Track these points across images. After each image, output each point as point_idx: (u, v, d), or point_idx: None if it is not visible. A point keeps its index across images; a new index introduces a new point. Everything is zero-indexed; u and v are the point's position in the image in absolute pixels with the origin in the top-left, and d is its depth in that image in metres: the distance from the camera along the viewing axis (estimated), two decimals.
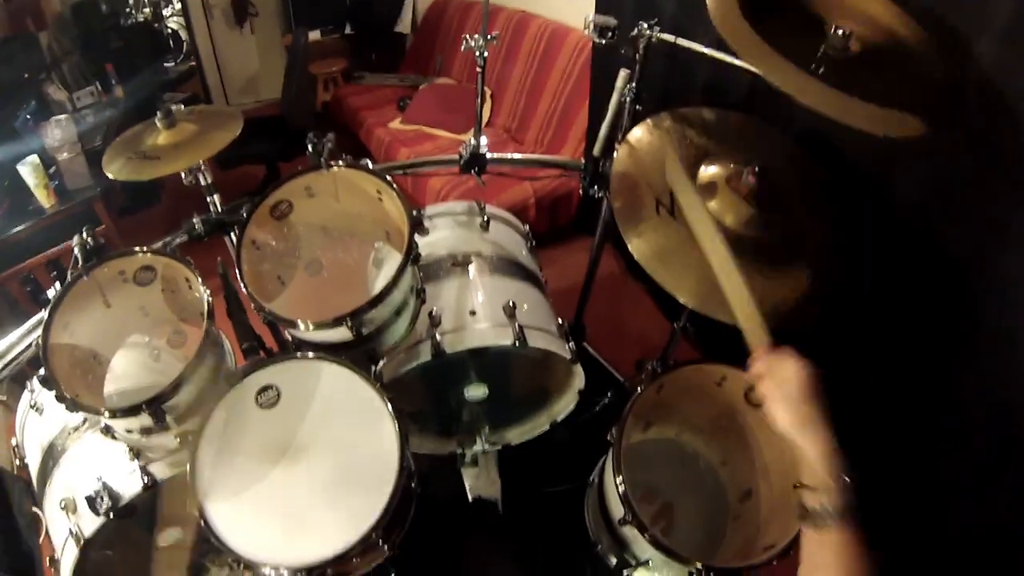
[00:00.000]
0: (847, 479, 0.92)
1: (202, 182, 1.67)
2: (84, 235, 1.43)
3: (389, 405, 1.32)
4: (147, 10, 4.97)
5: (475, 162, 1.78)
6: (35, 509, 1.59)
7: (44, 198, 2.93)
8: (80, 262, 1.41)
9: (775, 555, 1.32)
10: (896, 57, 1.21)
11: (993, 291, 1.38)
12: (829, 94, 1.12)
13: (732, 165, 1.42)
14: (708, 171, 1.44)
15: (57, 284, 1.40)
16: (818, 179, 1.52)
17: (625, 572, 1.59)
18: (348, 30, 5.35)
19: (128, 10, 4.77)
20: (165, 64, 5.10)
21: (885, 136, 1.09)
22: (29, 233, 2.89)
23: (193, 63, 5.21)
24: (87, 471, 1.45)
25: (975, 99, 1.27)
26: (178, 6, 5.05)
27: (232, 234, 1.65)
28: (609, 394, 2.24)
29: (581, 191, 1.93)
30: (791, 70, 1.14)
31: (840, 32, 1.19)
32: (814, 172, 1.53)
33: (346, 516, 1.23)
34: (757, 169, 1.35)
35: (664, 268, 1.36)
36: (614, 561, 1.64)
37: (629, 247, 1.38)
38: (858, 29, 1.20)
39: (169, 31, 5.18)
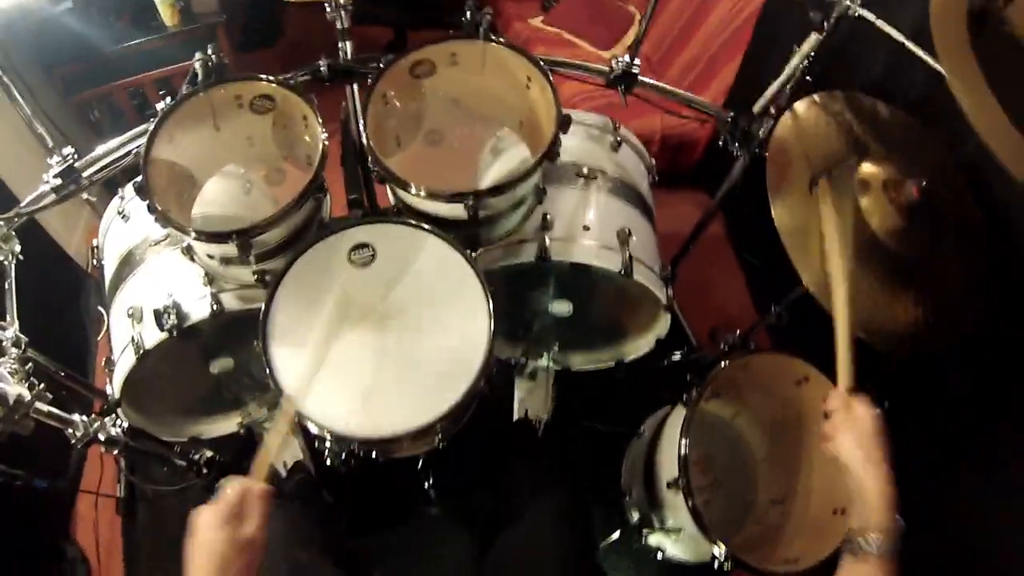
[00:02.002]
0: (899, 522, 0.97)
1: (338, 25, 1.56)
2: (209, 52, 1.37)
3: (490, 299, 1.24)
4: None
5: (624, 79, 1.64)
6: (100, 308, 1.61)
7: (168, 16, 2.85)
8: (200, 78, 1.36)
9: (796, 571, 1.34)
10: None
11: None
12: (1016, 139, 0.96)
13: (894, 171, 1.31)
14: (867, 169, 1.33)
15: (168, 99, 1.34)
16: (970, 215, 1.40)
17: (644, 531, 1.57)
18: None
19: None
20: None
21: None
22: (146, 48, 2.83)
23: None
24: (160, 285, 1.44)
25: None
26: None
27: (356, 84, 1.58)
28: (683, 352, 2.15)
29: (721, 142, 1.77)
30: (991, 103, 0.97)
31: None
32: (968, 206, 1.41)
33: (414, 399, 1.17)
34: (924, 184, 1.24)
35: (797, 244, 1.30)
36: (636, 517, 1.62)
37: (773, 213, 1.30)
38: None
39: None
